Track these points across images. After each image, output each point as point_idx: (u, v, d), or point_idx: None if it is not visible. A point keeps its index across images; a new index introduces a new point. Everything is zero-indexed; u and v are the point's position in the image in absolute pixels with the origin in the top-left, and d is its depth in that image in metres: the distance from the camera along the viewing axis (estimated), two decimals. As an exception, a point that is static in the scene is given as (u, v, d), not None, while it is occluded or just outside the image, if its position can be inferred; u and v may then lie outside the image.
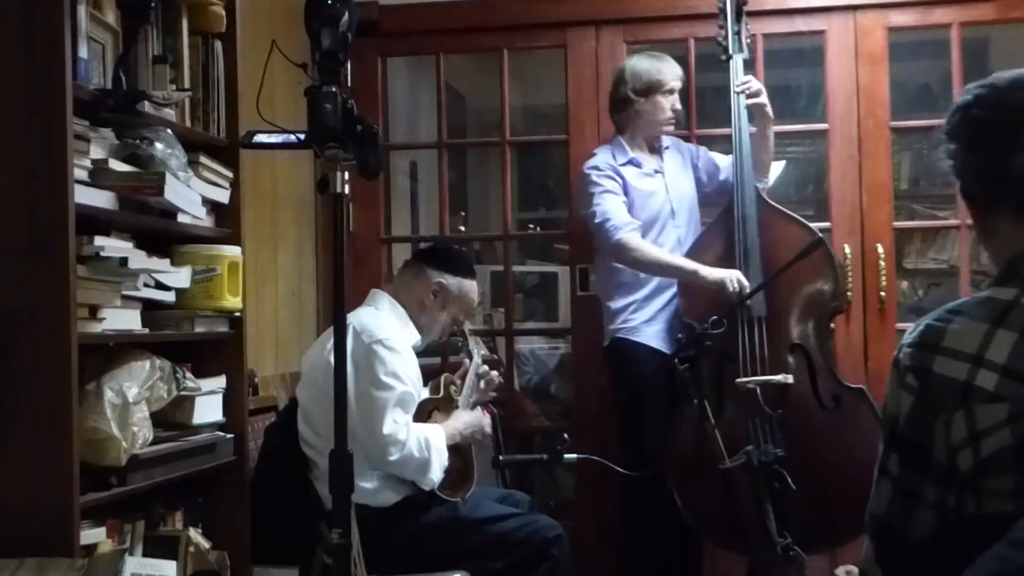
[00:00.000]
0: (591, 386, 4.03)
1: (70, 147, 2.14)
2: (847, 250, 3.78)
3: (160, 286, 2.50)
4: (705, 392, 2.92)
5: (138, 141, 2.43)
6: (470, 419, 3.13)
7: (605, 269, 3.68)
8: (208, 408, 2.69)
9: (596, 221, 3.54)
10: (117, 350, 2.41)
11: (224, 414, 2.75)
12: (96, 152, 2.30)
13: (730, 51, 3.53)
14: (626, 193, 3.57)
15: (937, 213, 4.88)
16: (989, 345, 1.41)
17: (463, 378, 3.23)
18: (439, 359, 4.07)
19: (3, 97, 2.16)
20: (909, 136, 5.12)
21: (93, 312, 2.25)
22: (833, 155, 3.93)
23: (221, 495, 2.76)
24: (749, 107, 3.48)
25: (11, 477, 2.13)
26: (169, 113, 2.56)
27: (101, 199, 2.27)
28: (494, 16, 4.10)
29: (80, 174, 2.21)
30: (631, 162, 3.63)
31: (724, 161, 3.66)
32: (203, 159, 2.67)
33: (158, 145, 2.44)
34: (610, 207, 3.52)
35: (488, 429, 3.17)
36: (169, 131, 2.51)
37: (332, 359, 2.00)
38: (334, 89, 1.89)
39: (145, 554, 2.44)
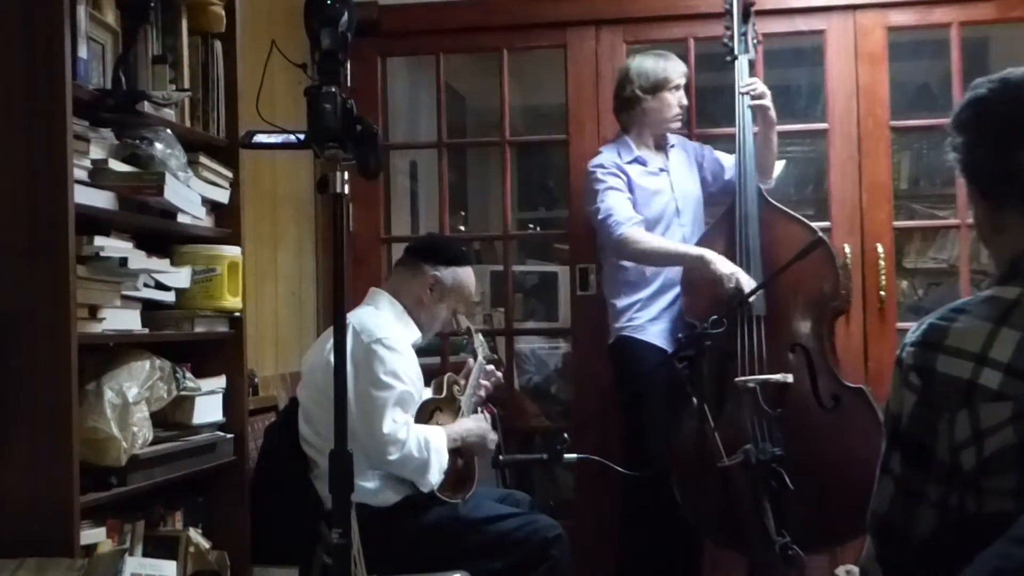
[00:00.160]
0: (591, 386, 4.03)
1: (70, 147, 2.14)
2: (847, 250, 3.78)
3: (160, 286, 2.50)
4: (705, 391, 2.92)
5: (138, 141, 2.42)
6: (474, 426, 3.10)
7: (610, 267, 3.69)
8: (208, 408, 2.69)
9: (599, 217, 3.55)
10: (117, 350, 2.41)
11: (224, 414, 2.75)
12: (96, 152, 2.30)
13: (736, 52, 3.54)
14: (631, 191, 3.58)
15: (937, 213, 4.88)
16: (993, 344, 1.41)
17: (466, 378, 3.23)
18: (439, 359, 4.07)
19: (3, 97, 2.16)
20: (909, 136, 5.12)
21: (93, 312, 2.25)
22: (833, 155, 3.93)
23: (221, 495, 2.76)
24: (753, 109, 3.48)
25: (11, 477, 2.13)
26: (169, 113, 2.56)
27: (101, 199, 2.27)
28: (494, 16, 4.10)
29: (80, 174, 2.21)
30: (636, 160, 3.64)
31: (729, 161, 3.66)
32: (203, 159, 2.67)
33: (158, 145, 2.44)
34: (613, 203, 3.53)
35: (491, 444, 3.14)
36: (169, 131, 2.51)
37: (332, 359, 2.00)
38: (334, 89, 1.89)
39: (145, 554, 2.44)
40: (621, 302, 3.62)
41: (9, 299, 2.14)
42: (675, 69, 3.62)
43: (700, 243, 3.52)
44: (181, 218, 2.56)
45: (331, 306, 2.13)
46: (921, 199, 5.23)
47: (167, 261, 2.55)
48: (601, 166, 3.61)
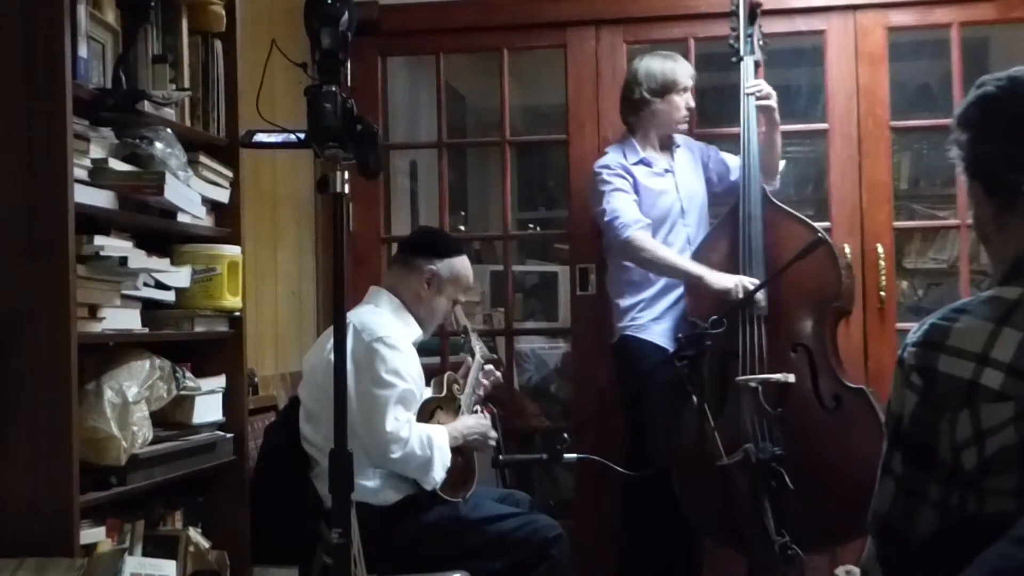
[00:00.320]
0: (591, 386, 4.04)
1: (70, 146, 2.14)
2: (847, 250, 3.77)
3: (160, 286, 2.50)
4: (707, 390, 2.92)
5: (138, 140, 2.42)
6: (475, 424, 3.11)
7: (615, 267, 3.70)
8: (208, 408, 2.68)
9: (605, 219, 3.56)
10: (117, 350, 2.40)
11: (224, 414, 2.75)
12: (96, 151, 2.30)
13: (741, 53, 3.53)
14: (636, 192, 3.59)
15: (937, 213, 4.89)
16: (994, 344, 1.40)
17: (465, 376, 3.23)
18: (439, 358, 4.07)
19: (3, 96, 2.16)
20: (909, 136, 5.12)
21: (93, 312, 2.25)
22: (833, 155, 3.93)
23: (221, 495, 2.75)
24: (758, 109, 3.48)
25: (11, 477, 2.13)
26: (169, 112, 2.56)
27: (101, 198, 2.27)
28: (494, 16, 4.10)
29: (80, 173, 2.21)
30: (642, 161, 3.64)
31: (734, 162, 3.66)
32: (203, 158, 2.67)
33: (158, 144, 2.44)
34: (619, 205, 3.54)
35: (492, 441, 3.15)
36: (169, 130, 2.51)
37: (333, 358, 2.00)
38: (334, 89, 1.89)
39: (145, 554, 2.44)
40: (625, 302, 3.63)
41: (9, 298, 2.14)
42: (683, 71, 3.63)
43: (704, 244, 3.54)
44: (181, 217, 2.56)
45: (331, 306, 2.13)
46: (921, 199, 5.23)
47: (167, 261, 2.55)
48: (607, 167, 3.62)
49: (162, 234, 2.58)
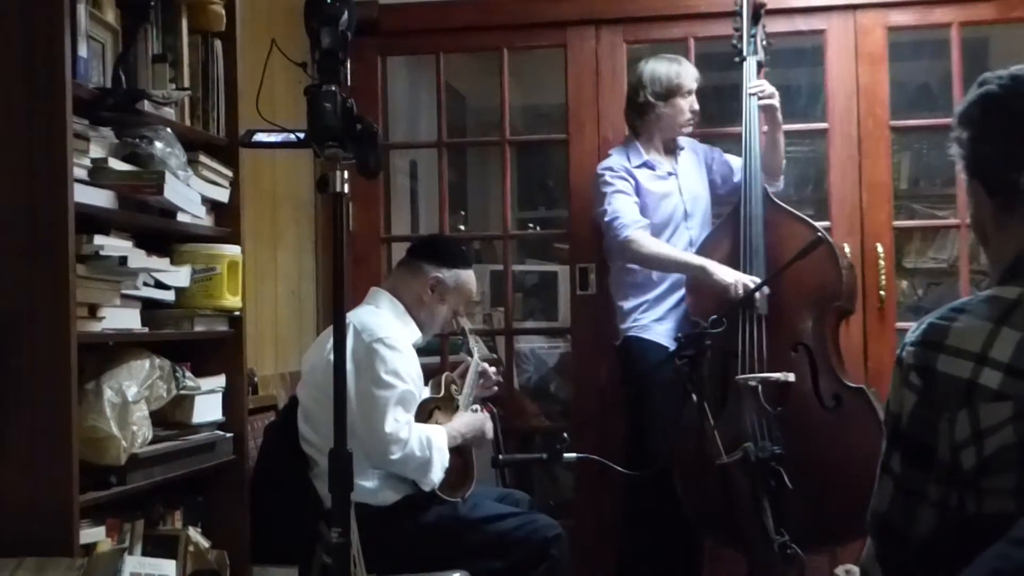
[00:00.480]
0: (591, 385, 4.04)
1: (69, 146, 2.14)
2: (847, 249, 3.77)
3: (160, 285, 2.50)
4: (707, 389, 2.92)
5: (138, 140, 2.42)
6: (472, 421, 3.12)
7: (617, 269, 3.70)
8: (208, 407, 2.68)
9: (606, 220, 3.57)
10: (116, 349, 2.40)
11: (224, 413, 2.75)
12: (95, 151, 2.30)
13: (744, 53, 3.53)
14: (639, 195, 3.60)
15: (937, 212, 4.88)
16: (993, 344, 1.40)
17: (463, 376, 3.23)
18: (438, 358, 4.07)
19: (3, 96, 2.15)
20: (909, 136, 5.12)
21: (92, 311, 2.25)
22: (833, 155, 3.93)
23: (221, 494, 2.75)
24: (761, 109, 3.47)
25: (10, 476, 2.13)
26: (169, 112, 2.55)
27: (100, 198, 2.27)
28: (494, 15, 4.10)
29: (80, 173, 2.21)
30: (645, 164, 3.65)
31: (738, 163, 3.65)
32: (203, 158, 2.67)
33: (158, 144, 2.44)
34: (620, 206, 3.54)
35: (490, 433, 3.16)
36: (169, 130, 2.51)
37: (332, 358, 2.00)
38: (334, 88, 1.89)
39: (144, 553, 2.44)
40: (628, 304, 3.64)
41: (9, 298, 2.14)
42: (688, 74, 3.63)
43: (706, 243, 3.54)
44: (181, 217, 2.56)
45: (331, 305, 2.13)
46: (921, 199, 5.23)
47: (167, 260, 2.55)
48: (610, 169, 3.62)
49: (162, 234, 2.58)
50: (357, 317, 2.98)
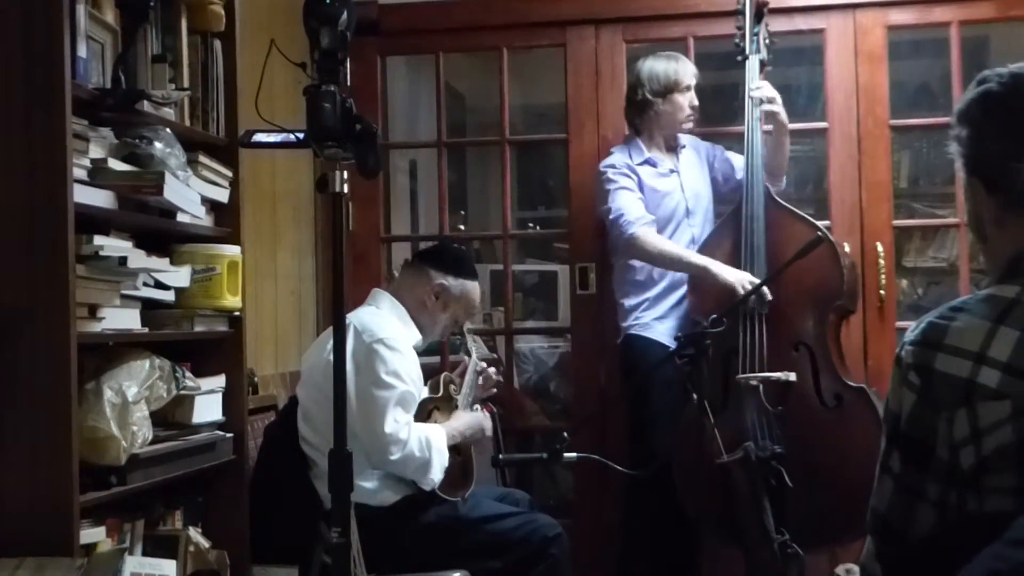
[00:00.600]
0: (591, 385, 4.04)
1: (69, 146, 2.14)
2: (847, 248, 3.77)
3: (159, 285, 2.50)
4: (709, 388, 2.92)
5: (137, 140, 2.42)
6: (471, 420, 3.13)
7: (620, 268, 3.71)
8: (207, 407, 2.68)
9: (611, 217, 3.57)
10: (116, 349, 2.40)
11: (224, 413, 2.75)
12: (95, 151, 2.30)
13: (747, 52, 3.53)
14: (641, 192, 3.59)
15: (937, 212, 4.88)
16: (991, 343, 1.40)
17: (462, 376, 3.24)
18: (438, 358, 4.07)
19: (2, 96, 2.15)
20: (909, 135, 5.11)
21: (92, 311, 2.25)
22: (833, 154, 3.93)
23: (221, 494, 2.76)
24: (763, 113, 3.48)
25: (11, 476, 2.13)
26: (168, 112, 2.56)
27: (100, 198, 2.27)
28: (493, 15, 4.10)
29: (79, 173, 2.21)
30: (647, 162, 3.65)
31: (740, 162, 3.65)
32: (202, 158, 2.67)
33: (157, 144, 2.44)
34: (624, 203, 3.55)
35: (489, 431, 3.17)
36: (168, 130, 2.51)
37: (332, 358, 2.00)
38: (333, 88, 1.89)
39: (145, 553, 2.44)
40: (629, 302, 3.65)
41: (9, 298, 2.14)
42: (685, 71, 3.63)
43: (707, 242, 3.54)
44: (180, 217, 2.56)
45: (330, 305, 2.13)
46: (921, 198, 5.22)
47: (166, 260, 2.55)
48: (612, 166, 3.63)
49: (162, 234, 2.58)
50: (358, 318, 2.98)
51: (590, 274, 3.99)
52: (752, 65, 3.52)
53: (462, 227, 6.03)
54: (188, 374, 2.57)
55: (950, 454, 1.42)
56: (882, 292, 3.82)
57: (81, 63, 2.25)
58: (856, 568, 1.82)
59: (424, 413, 3.03)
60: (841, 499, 2.91)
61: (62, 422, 2.12)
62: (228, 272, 2.71)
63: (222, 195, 2.78)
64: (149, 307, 2.49)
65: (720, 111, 4.26)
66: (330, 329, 2.18)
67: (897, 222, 4.02)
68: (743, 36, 3.55)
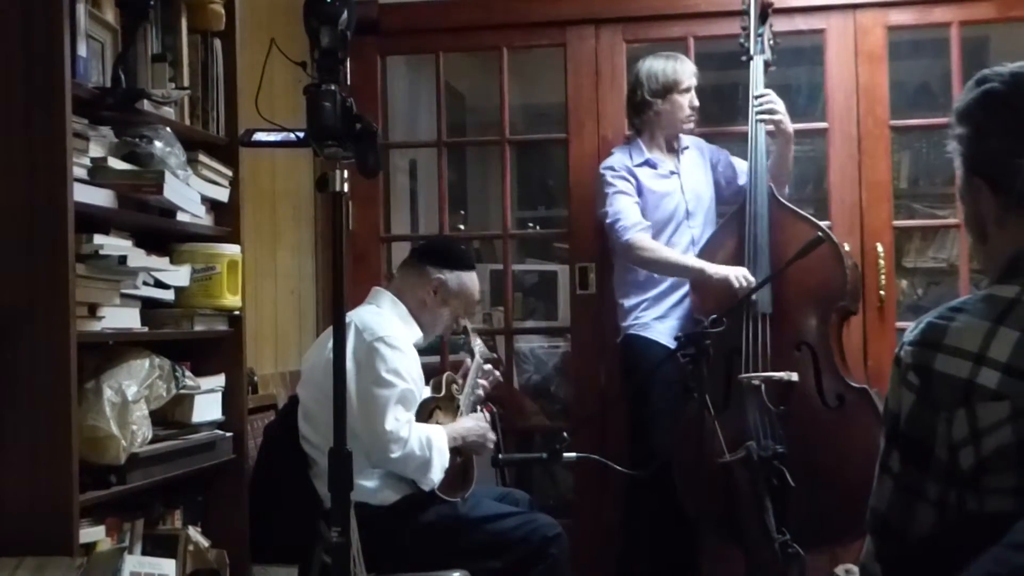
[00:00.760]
0: (591, 385, 4.04)
1: (69, 145, 2.14)
2: (847, 249, 3.77)
3: (159, 284, 2.50)
4: (711, 387, 2.92)
5: (137, 139, 2.42)
6: (475, 426, 3.10)
7: (620, 269, 3.72)
8: (207, 406, 2.68)
9: (608, 221, 3.59)
10: (116, 348, 2.40)
11: (223, 412, 2.75)
12: (95, 150, 2.30)
13: (751, 52, 3.52)
14: (640, 194, 3.60)
15: (937, 212, 4.87)
16: (991, 343, 1.40)
17: (465, 376, 3.23)
18: (439, 358, 4.07)
19: (2, 95, 2.15)
20: (909, 135, 5.11)
21: (92, 310, 2.25)
22: (833, 154, 3.93)
23: (220, 494, 2.76)
24: (763, 122, 3.47)
25: (10, 476, 2.13)
26: (168, 111, 2.55)
27: (100, 197, 2.27)
28: (493, 15, 4.10)
29: (79, 172, 2.21)
30: (647, 163, 3.65)
31: (744, 166, 3.64)
32: (202, 157, 2.67)
33: (157, 143, 2.44)
34: (621, 207, 3.55)
35: (491, 443, 3.15)
36: (168, 129, 2.51)
37: (332, 357, 2.00)
38: (333, 87, 1.89)
39: (144, 553, 2.44)
40: (629, 302, 3.66)
41: (8, 297, 2.14)
42: (685, 70, 3.63)
43: (710, 241, 3.54)
44: (180, 216, 2.56)
45: (330, 305, 2.13)
46: (921, 198, 5.22)
47: (166, 259, 2.55)
48: (611, 168, 3.63)
49: (161, 233, 2.58)
50: (358, 316, 2.98)
51: (590, 274, 3.99)
52: (756, 66, 3.52)
53: (462, 227, 6.02)
54: (188, 373, 2.57)
55: (949, 454, 1.42)
56: (882, 292, 3.82)
57: (81, 62, 2.24)
58: (856, 568, 1.82)
59: (426, 413, 3.03)
60: (842, 499, 2.91)
61: (62, 421, 2.12)
62: (228, 271, 2.71)
63: (222, 194, 2.77)
64: (149, 306, 2.49)
65: (721, 111, 4.25)
66: (331, 328, 2.18)
67: (897, 222, 4.02)
68: (747, 37, 3.54)
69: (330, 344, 2.20)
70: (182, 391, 2.54)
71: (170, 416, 2.59)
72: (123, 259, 2.29)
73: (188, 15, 2.70)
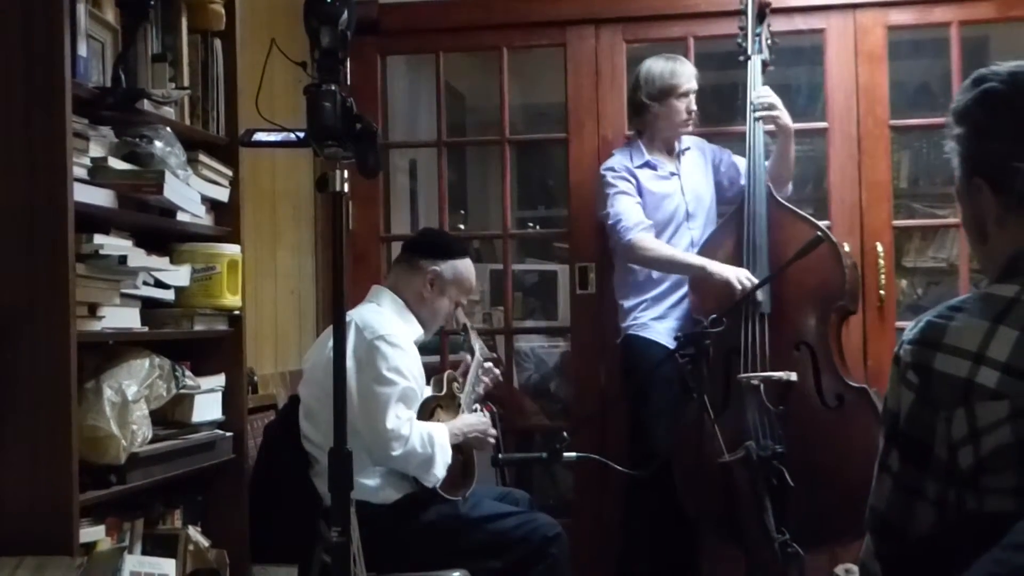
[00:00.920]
0: (591, 385, 4.04)
1: (69, 145, 2.14)
2: (847, 249, 3.77)
3: (159, 284, 2.50)
4: (710, 387, 2.93)
5: (137, 139, 2.42)
6: (475, 422, 3.11)
7: (620, 269, 3.72)
8: (207, 406, 2.68)
9: (609, 222, 3.59)
10: (116, 348, 2.40)
11: (223, 412, 2.75)
12: (95, 150, 2.30)
13: (749, 52, 3.53)
14: (640, 195, 3.60)
15: (936, 212, 4.87)
16: (990, 343, 1.40)
17: (465, 375, 3.24)
18: (439, 357, 4.07)
19: (3, 95, 2.15)
20: (909, 135, 5.11)
21: (92, 310, 2.25)
22: (833, 154, 3.93)
23: (220, 493, 2.76)
24: (762, 120, 3.47)
25: (10, 475, 2.13)
26: (168, 111, 2.56)
27: (100, 197, 2.27)
28: (493, 15, 4.10)
29: (79, 172, 2.21)
30: (647, 164, 3.66)
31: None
32: (202, 157, 2.67)
33: (157, 143, 2.44)
34: (623, 208, 3.55)
35: (492, 439, 3.15)
36: (168, 129, 2.51)
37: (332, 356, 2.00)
38: (333, 87, 1.89)
39: (144, 552, 2.44)
40: (628, 302, 3.66)
41: (8, 297, 2.14)
42: (684, 74, 3.62)
43: (708, 241, 3.55)
44: (180, 216, 2.56)
45: (330, 304, 2.13)
46: (921, 198, 5.22)
47: (166, 259, 2.55)
48: (612, 169, 3.64)
49: (161, 233, 2.58)
50: (359, 315, 2.98)
51: (590, 274, 3.99)
52: (754, 66, 3.52)
53: (462, 226, 6.02)
54: (188, 373, 2.57)
55: (948, 453, 1.42)
56: (882, 292, 3.82)
57: (81, 62, 2.24)
58: (855, 568, 1.82)
59: (427, 411, 3.03)
60: (842, 499, 2.91)
61: (62, 421, 2.12)
62: (228, 271, 2.71)
63: (222, 194, 2.77)
64: (149, 306, 2.49)
65: (720, 111, 4.25)
66: (332, 327, 2.18)
67: (897, 222, 4.02)
68: (745, 36, 3.55)
69: (331, 343, 2.21)
70: (182, 391, 2.54)
71: (170, 416, 2.59)
72: (123, 259, 2.29)
73: (188, 15, 2.70)
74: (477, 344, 3.31)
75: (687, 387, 2.86)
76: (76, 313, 2.15)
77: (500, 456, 3.12)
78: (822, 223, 3.67)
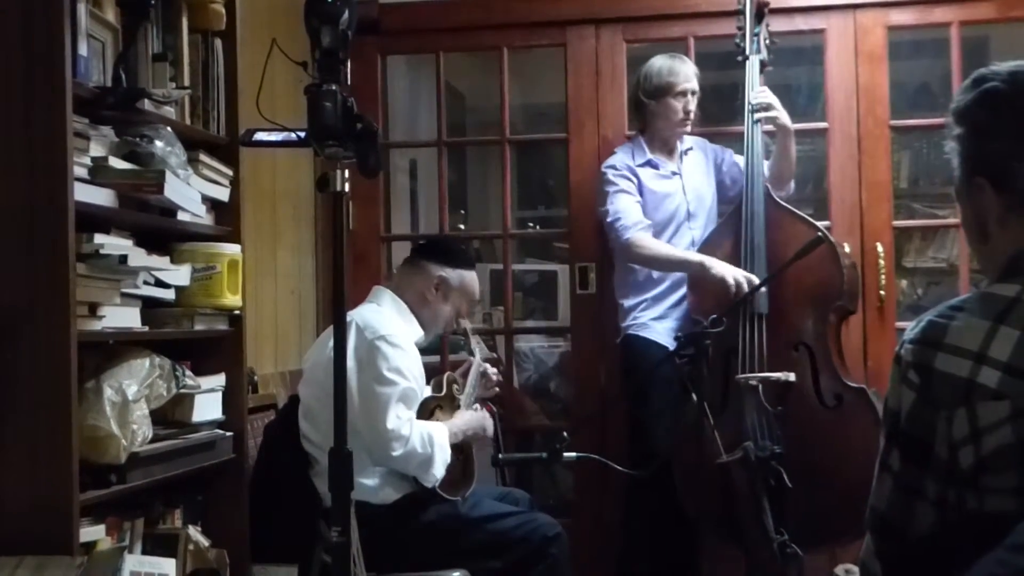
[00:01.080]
0: (591, 384, 4.04)
1: (70, 145, 2.14)
2: (847, 249, 3.77)
3: (160, 284, 2.50)
4: (709, 388, 2.92)
5: (138, 139, 2.42)
6: (472, 418, 3.13)
7: (620, 268, 3.72)
8: (207, 406, 2.69)
9: (608, 220, 3.59)
10: (116, 348, 2.40)
11: (223, 412, 2.75)
12: (96, 150, 2.30)
13: (747, 52, 3.53)
14: (641, 194, 3.60)
15: (937, 212, 4.88)
16: (991, 342, 1.40)
17: (465, 376, 3.24)
18: (438, 358, 4.07)
19: (3, 94, 2.15)
20: (909, 135, 5.11)
21: (92, 310, 2.25)
22: (833, 154, 3.93)
23: (220, 493, 2.76)
24: (760, 120, 3.47)
25: (10, 475, 2.13)
26: (169, 111, 2.56)
27: (101, 197, 2.27)
28: (494, 15, 4.10)
29: (80, 172, 2.21)
30: (649, 163, 3.66)
31: None
32: (203, 157, 2.67)
33: (158, 143, 2.44)
34: (622, 206, 3.55)
35: (490, 431, 3.17)
36: (169, 129, 2.51)
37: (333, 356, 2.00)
38: (334, 87, 1.89)
39: (144, 552, 2.44)
40: (629, 302, 3.66)
41: (8, 297, 2.14)
42: (682, 74, 3.61)
43: (707, 241, 3.54)
44: (181, 216, 2.56)
45: (331, 304, 2.13)
46: (921, 198, 5.22)
47: (167, 259, 2.55)
48: (613, 167, 3.64)
49: (162, 232, 2.58)
50: (359, 315, 2.99)
51: (590, 274, 3.99)
52: (752, 65, 3.52)
53: (462, 226, 6.03)
54: (188, 373, 2.57)
55: (949, 453, 1.42)
56: (882, 292, 3.82)
57: (82, 61, 2.24)
58: (855, 568, 1.82)
59: (427, 412, 3.03)
60: (840, 499, 2.91)
61: (62, 421, 2.12)
62: (228, 271, 2.71)
63: (222, 194, 2.78)
64: (149, 306, 2.49)
65: (720, 111, 4.25)
66: (332, 327, 2.18)
67: (897, 222, 4.02)
68: (743, 36, 3.55)
69: (331, 343, 2.21)
70: (182, 390, 2.54)
71: (170, 415, 2.59)
72: (123, 258, 2.29)
73: (189, 15, 2.70)
74: (477, 346, 3.31)
75: (686, 388, 2.86)
76: (76, 313, 2.15)
77: (500, 456, 3.12)
78: (822, 223, 3.68)
